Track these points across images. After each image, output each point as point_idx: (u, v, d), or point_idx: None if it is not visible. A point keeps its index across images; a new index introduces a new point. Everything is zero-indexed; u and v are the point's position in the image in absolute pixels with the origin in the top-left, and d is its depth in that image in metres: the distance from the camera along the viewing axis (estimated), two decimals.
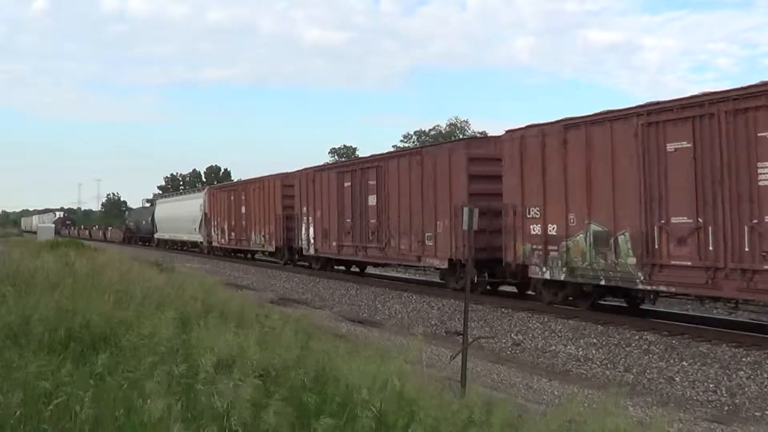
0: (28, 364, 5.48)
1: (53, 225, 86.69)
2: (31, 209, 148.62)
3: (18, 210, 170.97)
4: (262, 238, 31.66)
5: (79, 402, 4.59)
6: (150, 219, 55.72)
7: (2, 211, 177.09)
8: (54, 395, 4.74)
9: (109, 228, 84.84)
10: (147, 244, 57.87)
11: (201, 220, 41.34)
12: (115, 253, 26.56)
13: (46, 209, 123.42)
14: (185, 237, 45.60)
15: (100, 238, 76.39)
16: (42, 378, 5.11)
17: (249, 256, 36.64)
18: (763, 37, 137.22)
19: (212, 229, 39.33)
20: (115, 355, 6.34)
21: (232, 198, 36.22)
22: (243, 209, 34.36)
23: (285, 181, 30.00)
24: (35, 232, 72.65)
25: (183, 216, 45.19)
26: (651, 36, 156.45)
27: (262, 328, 8.30)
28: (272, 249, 30.92)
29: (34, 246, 30.52)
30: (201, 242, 42.04)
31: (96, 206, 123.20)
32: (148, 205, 67.66)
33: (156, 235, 53.17)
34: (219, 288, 14.57)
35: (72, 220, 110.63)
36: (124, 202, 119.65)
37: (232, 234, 36.02)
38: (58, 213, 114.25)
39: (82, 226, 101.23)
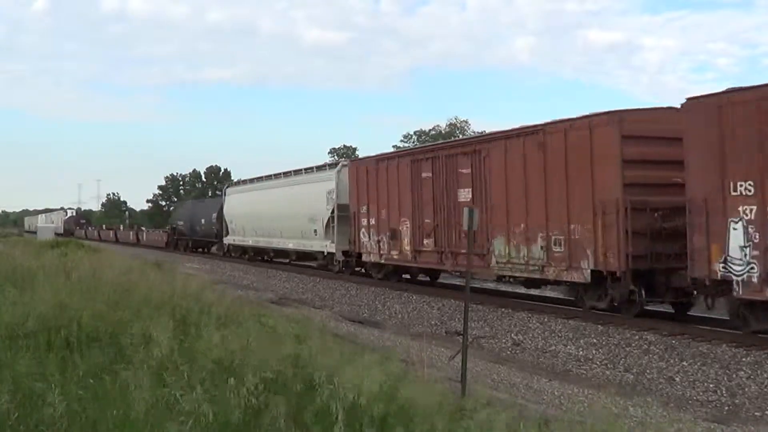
0: (25, 364, 5.47)
1: (53, 225, 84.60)
2: (31, 209, 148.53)
3: (18, 210, 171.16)
4: (541, 253, 14.93)
5: (76, 402, 4.57)
6: (215, 216, 39.20)
7: (2, 211, 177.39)
8: (49, 395, 4.73)
9: (143, 228, 66.34)
10: (204, 250, 43.39)
11: (329, 217, 24.76)
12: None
13: (46, 209, 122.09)
14: (291, 244, 28.58)
15: (131, 241, 59.23)
16: (37, 379, 5.10)
17: (425, 276, 22.08)
18: (763, 37, 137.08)
19: (362, 232, 22.21)
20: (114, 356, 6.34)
21: (426, 174, 18.90)
22: (463, 194, 17.34)
23: (628, 127, 13.41)
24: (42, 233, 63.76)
25: (287, 211, 28.39)
26: (651, 36, 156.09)
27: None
28: (578, 278, 14.23)
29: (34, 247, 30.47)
30: (330, 253, 24.99)
31: (96, 206, 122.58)
32: (196, 203, 50.67)
33: (226, 240, 36.84)
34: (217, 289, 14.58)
35: (87, 219, 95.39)
36: (124, 202, 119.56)
37: (425, 241, 19.01)
38: (69, 211, 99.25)
39: (104, 226, 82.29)
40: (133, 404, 4.68)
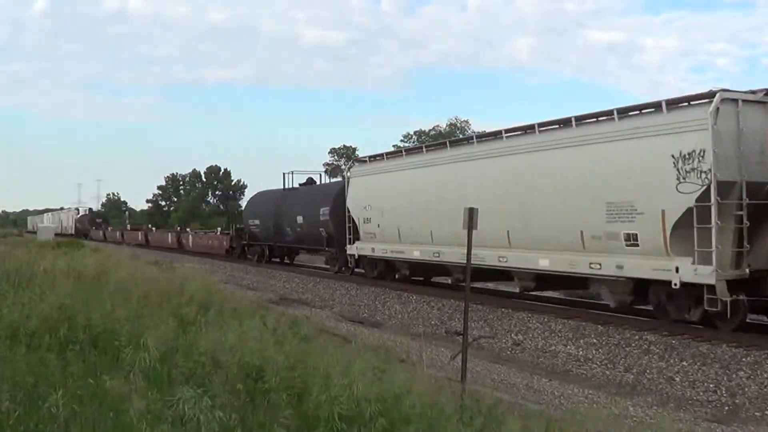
0: (26, 363, 5.47)
1: (54, 225, 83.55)
2: (31, 209, 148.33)
3: (18, 210, 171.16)
4: None
5: (77, 402, 4.58)
6: (326, 211, 25.30)
7: (2, 211, 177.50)
8: (49, 395, 4.73)
9: (188, 230, 51.20)
10: (288, 261, 32.01)
11: (686, 210, 11.78)
12: None
13: (46, 209, 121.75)
14: (547, 262, 14.98)
15: (169, 246, 46.59)
16: (36, 376, 5.11)
17: None
18: (763, 37, 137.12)
19: None
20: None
21: None
22: None
23: None
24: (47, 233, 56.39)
25: (539, 198, 15.05)
26: (651, 36, 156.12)
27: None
28: None
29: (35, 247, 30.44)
30: (688, 284, 11.89)
31: (96, 206, 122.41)
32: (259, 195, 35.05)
33: (353, 248, 23.25)
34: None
35: (104, 217, 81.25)
36: (124, 202, 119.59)
37: None
38: (82, 209, 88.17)
39: (128, 226, 67.79)
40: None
